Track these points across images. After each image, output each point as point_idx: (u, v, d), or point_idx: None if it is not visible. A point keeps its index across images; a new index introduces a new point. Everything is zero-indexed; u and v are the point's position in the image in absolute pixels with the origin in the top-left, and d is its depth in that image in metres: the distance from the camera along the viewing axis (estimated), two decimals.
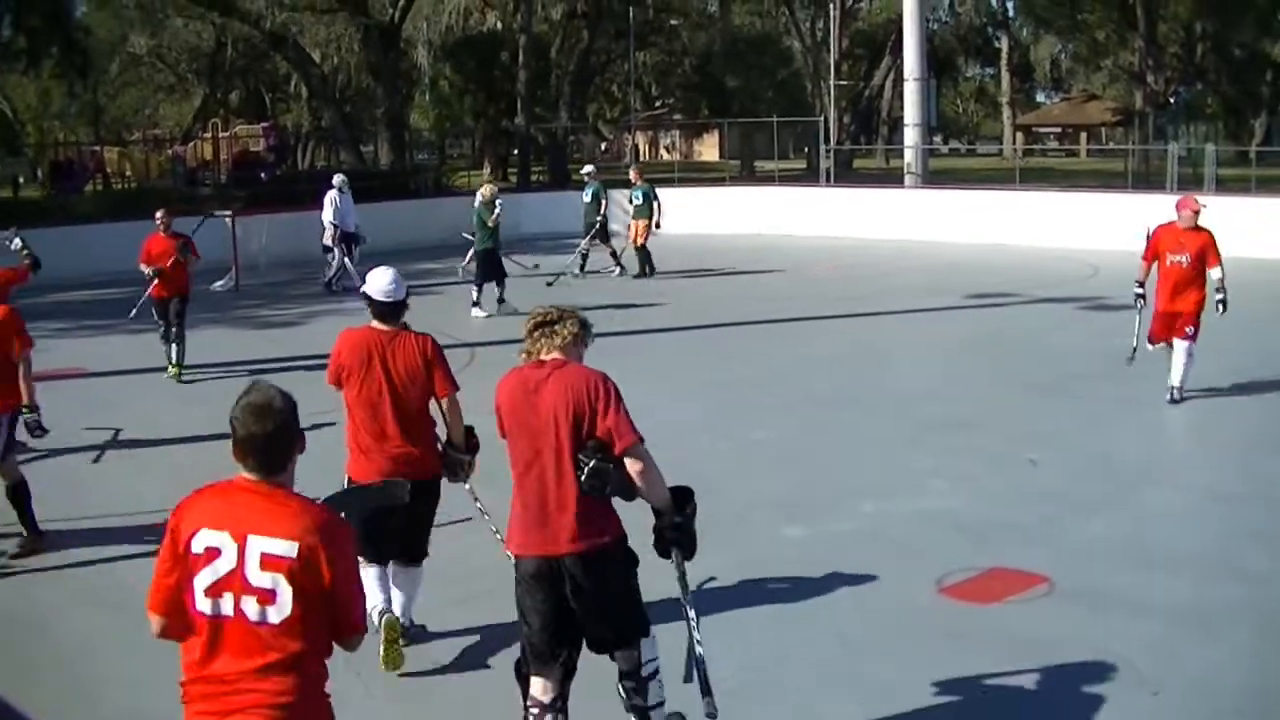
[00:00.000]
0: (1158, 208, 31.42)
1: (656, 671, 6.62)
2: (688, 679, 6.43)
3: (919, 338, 20.43)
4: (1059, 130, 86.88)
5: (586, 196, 27.97)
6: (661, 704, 6.64)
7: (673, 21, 65.15)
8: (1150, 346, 14.89)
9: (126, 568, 10.07)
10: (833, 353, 18.54)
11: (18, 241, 14.62)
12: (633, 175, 29.74)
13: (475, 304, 22.41)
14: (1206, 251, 14.37)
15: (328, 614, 4.51)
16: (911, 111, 40.28)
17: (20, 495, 10.50)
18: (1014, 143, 77.13)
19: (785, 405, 15.15)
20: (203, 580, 4.47)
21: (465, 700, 7.64)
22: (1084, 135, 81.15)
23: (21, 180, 48.73)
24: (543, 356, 6.35)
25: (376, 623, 7.65)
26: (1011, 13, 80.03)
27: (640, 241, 27.29)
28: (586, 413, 6.13)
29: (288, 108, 67.06)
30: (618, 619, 6.47)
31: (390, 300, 8.13)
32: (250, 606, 4.41)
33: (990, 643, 8.17)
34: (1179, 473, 12.01)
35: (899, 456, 12.77)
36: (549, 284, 24.84)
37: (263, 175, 43.49)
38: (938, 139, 72.24)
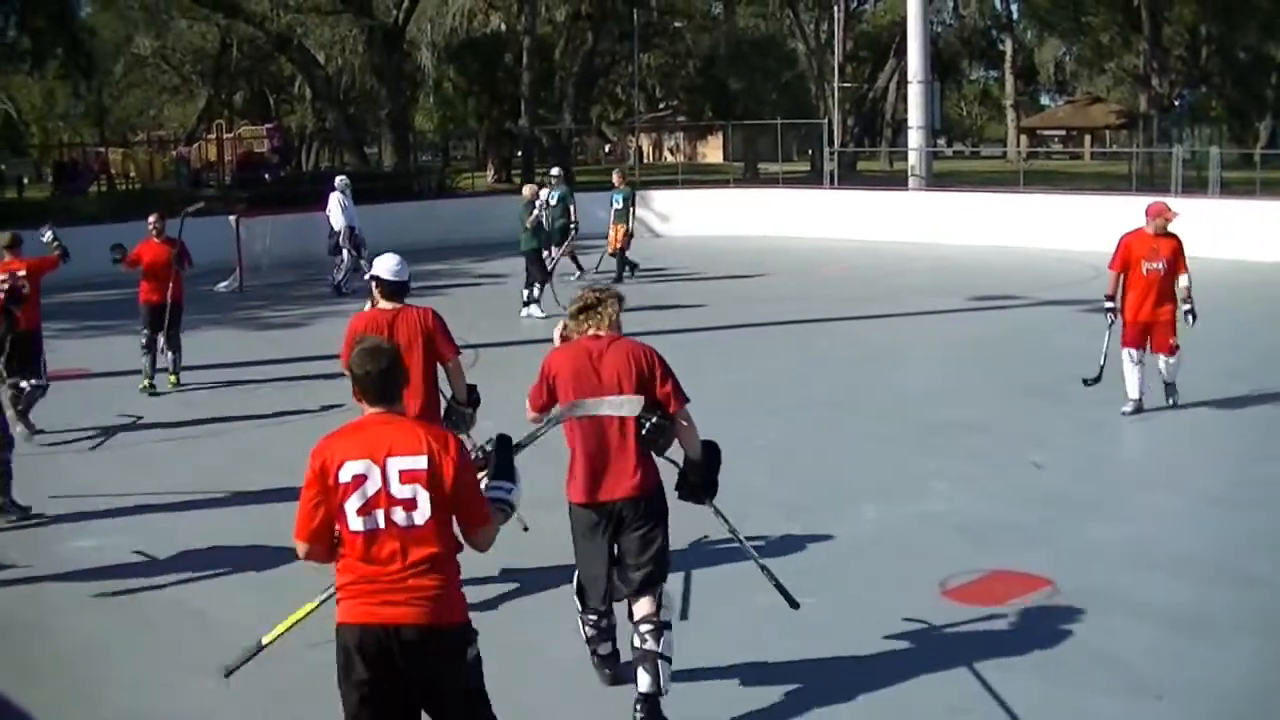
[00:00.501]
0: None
1: (670, 623, 7.28)
2: (778, 587, 7.78)
3: (922, 340, 20.43)
4: (1063, 133, 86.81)
5: (553, 199, 26.25)
6: (670, 660, 7.17)
7: (677, 23, 65.16)
8: (1130, 354, 14.07)
9: (127, 569, 10.09)
10: (835, 354, 18.54)
11: (49, 234, 15.15)
12: (615, 179, 28.62)
13: (528, 303, 22.76)
14: (1179, 257, 13.99)
15: (458, 514, 5.53)
16: (915, 114, 40.27)
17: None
18: (1018, 145, 77.10)
19: (787, 407, 15.14)
20: (353, 503, 5.39)
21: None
22: (1088, 138, 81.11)
23: (26, 181, 48.74)
24: (594, 332, 7.31)
25: None
26: (1015, 15, 79.99)
27: (618, 246, 26.59)
28: (647, 378, 7.21)
29: (292, 109, 67.09)
30: (655, 557, 7.25)
31: (397, 280, 9.18)
32: (398, 515, 5.38)
33: (993, 645, 8.16)
34: (1181, 476, 11.98)
35: (901, 459, 12.76)
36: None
37: (267, 176, 43.46)
38: (941, 142, 72.35)
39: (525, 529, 9.56)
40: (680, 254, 29.13)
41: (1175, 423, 13.95)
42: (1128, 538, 10.29)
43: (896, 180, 44.81)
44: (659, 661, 7.08)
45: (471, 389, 9.65)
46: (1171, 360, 14.01)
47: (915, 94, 40.54)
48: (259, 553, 10.41)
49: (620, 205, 26.88)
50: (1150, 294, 13.87)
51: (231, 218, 28.45)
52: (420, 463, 5.39)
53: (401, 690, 5.47)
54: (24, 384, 13.63)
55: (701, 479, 7.66)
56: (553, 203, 26.11)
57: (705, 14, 68.50)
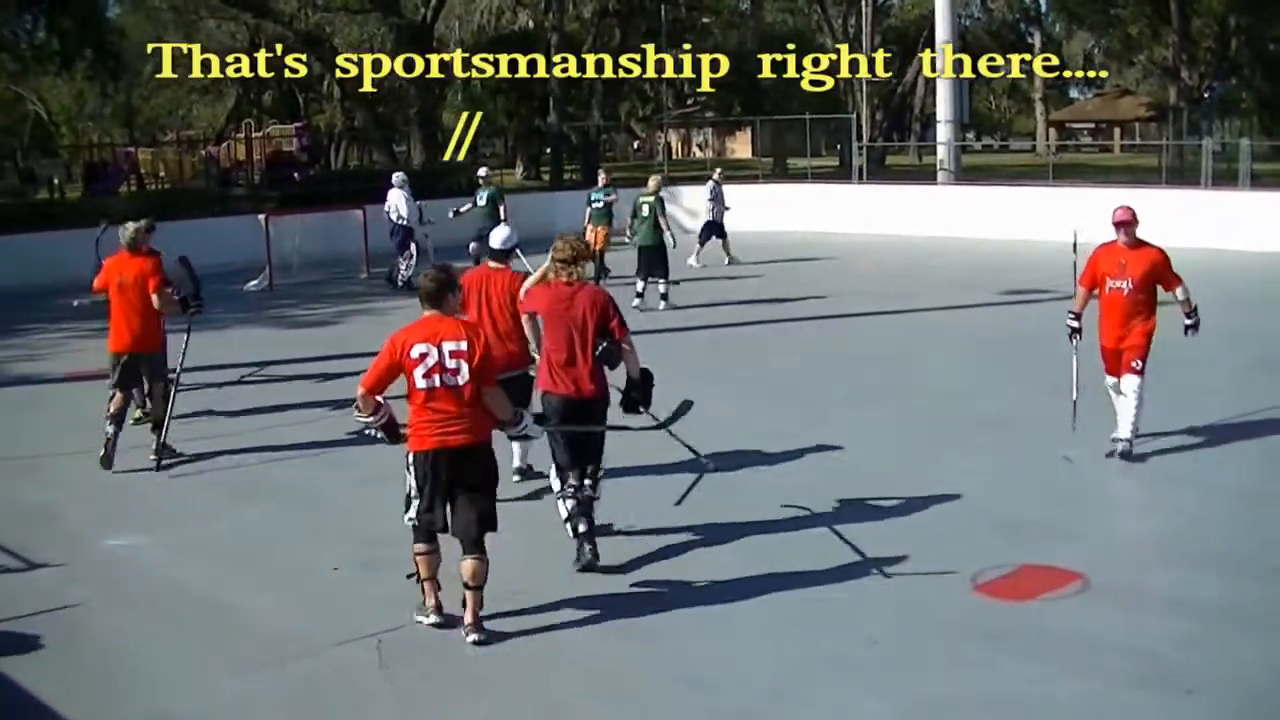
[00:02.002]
0: (1192, 203, 31.59)
1: (599, 497, 10.06)
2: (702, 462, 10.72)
3: (952, 334, 20.37)
4: (1092, 126, 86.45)
5: (481, 200, 26.22)
6: (596, 499, 10.01)
7: (705, 19, 65.12)
8: (1108, 381, 12.54)
9: (159, 568, 10.14)
10: (865, 349, 18.52)
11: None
12: (601, 177, 27.49)
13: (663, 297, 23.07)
14: (1158, 274, 12.16)
15: (479, 378, 8.30)
16: (944, 108, 40.16)
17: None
18: (1047, 139, 76.85)
19: (817, 401, 15.12)
20: (419, 370, 8.23)
21: (496, 704, 7.64)
22: (1117, 131, 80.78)
23: (57, 181, 48.95)
24: (568, 280, 9.89)
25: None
26: (1044, 7, 79.78)
27: (599, 248, 24.73)
28: (605, 316, 9.81)
29: (320, 108, 67.20)
30: (601, 438, 10.07)
31: (501, 247, 11.82)
32: (449, 379, 8.24)
33: (1024, 640, 8.15)
34: (1211, 471, 11.93)
35: (933, 453, 12.74)
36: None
37: (295, 176, 43.53)
38: (970, 135, 72.06)
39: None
40: (708, 250, 29.04)
41: (1205, 416, 13.84)
42: (1158, 532, 10.26)
43: (926, 174, 44.71)
44: (593, 504, 9.90)
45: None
46: (1130, 384, 12.08)
47: (944, 88, 40.43)
48: (290, 550, 10.47)
49: (601, 205, 25.57)
50: (1115, 316, 12.26)
51: (260, 217, 28.51)
52: (462, 345, 8.29)
53: (447, 480, 8.30)
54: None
55: (640, 394, 10.11)
56: (481, 203, 26.10)
57: (733, 9, 68.43)
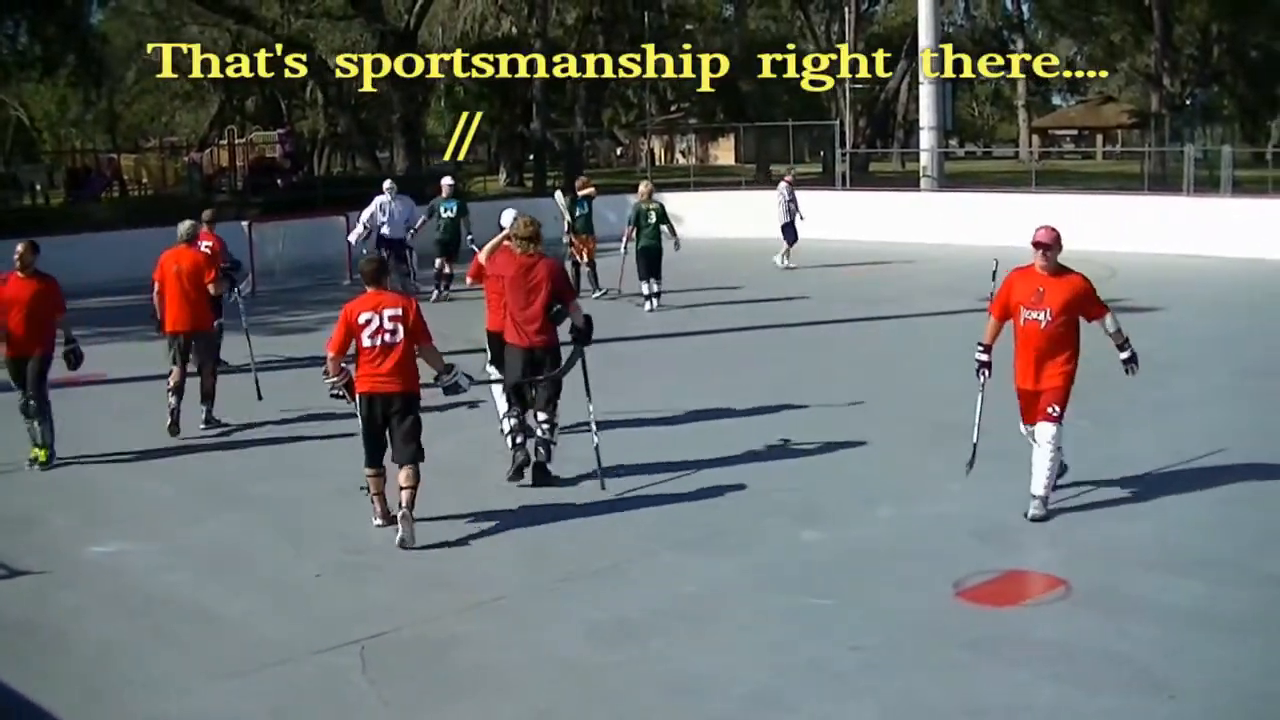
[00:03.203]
0: (1174, 209, 31.70)
1: (558, 424, 12.24)
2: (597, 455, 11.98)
3: (934, 340, 20.37)
4: (1075, 133, 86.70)
5: (450, 211, 25.65)
6: (555, 443, 12.21)
7: (688, 26, 65.15)
8: (1023, 429, 11.21)
9: (143, 574, 10.12)
10: (848, 356, 18.54)
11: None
12: (580, 186, 25.53)
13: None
14: (1080, 304, 10.76)
15: (415, 338, 10.57)
16: (927, 115, 40.21)
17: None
18: (1030, 145, 77.02)
19: (801, 409, 15.13)
20: (366, 331, 10.44)
21: (480, 710, 7.63)
22: (1100, 138, 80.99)
23: (39, 187, 48.88)
24: (529, 252, 11.91)
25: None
26: (1027, 15, 79.94)
27: (589, 259, 24.37)
28: (558, 284, 12.03)
29: (304, 114, 67.12)
30: (557, 381, 12.11)
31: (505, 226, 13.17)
32: (388, 337, 10.43)
33: (1007, 646, 8.17)
34: (1195, 475, 11.95)
35: (916, 459, 12.76)
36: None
37: (279, 182, 43.50)
38: (954, 142, 72.23)
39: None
40: (693, 256, 29.03)
41: (1188, 424, 13.90)
42: (1140, 538, 10.28)
43: (909, 181, 44.75)
44: (549, 445, 12.17)
45: (588, 320, 12.60)
46: (1045, 433, 10.71)
47: (927, 95, 40.51)
48: (272, 556, 10.46)
49: (585, 211, 24.52)
50: (1030, 352, 10.87)
51: (244, 223, 28.46)
52: (399, 312, 10.57)
53: (384, 421, 10.61)
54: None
55: (584, 335, 12.16)
56: (449, 213, 25.54)
57: (716, 16, 68.47)
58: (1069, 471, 11.31)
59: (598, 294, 24.41)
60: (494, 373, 12.90)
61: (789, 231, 29.65)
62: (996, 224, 32.75)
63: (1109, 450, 12.89)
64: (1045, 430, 10.64)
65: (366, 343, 10.47)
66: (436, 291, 24.96)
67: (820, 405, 15.33)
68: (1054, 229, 11.00)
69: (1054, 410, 10.63)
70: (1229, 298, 17.24)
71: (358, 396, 10.63)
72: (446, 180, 27.20)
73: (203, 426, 14.82)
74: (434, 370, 10.87)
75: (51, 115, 72.11)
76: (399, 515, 10.37)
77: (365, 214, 25.48)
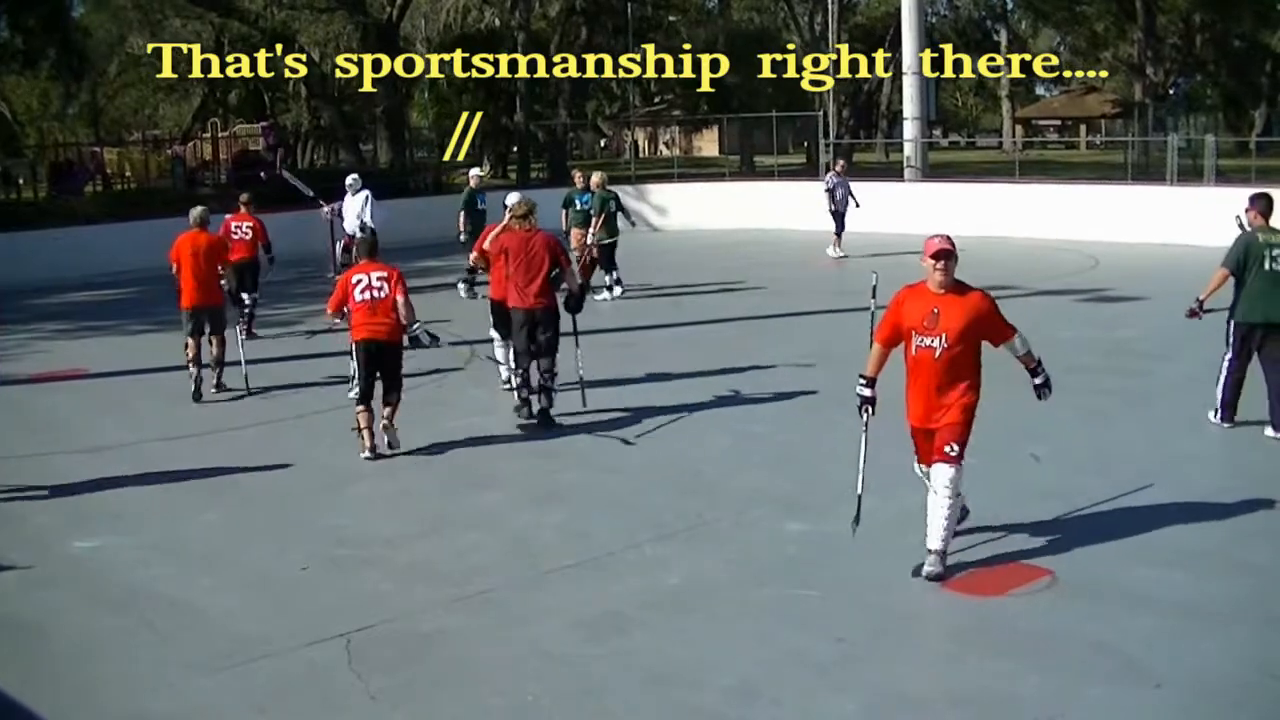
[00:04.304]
0: (1157, 199, 31.77)
1: (557, 373, 14.00)
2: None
3: None
4: (1058, 123, 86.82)
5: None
6: (555, 391, 14.04)
7: (671, 17, 65.11)
8: (918, 470, 9.97)
9: (127, 570, 10.10)
10: (832, 347, 18.52)
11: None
12: (583, 178, 24.68)
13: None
14: (983, 327, 9.40)
15: (398, 290, 12.94)
16: (910, 105, 40.25)
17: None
18: (1013, 135, 77.13)
19: (784, 400, 15.14)
20: (358, 289, 12.82)
21: (466, 703, 7.63)
22: (1083, 128, 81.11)
23: (23, 181, 48.70)
24: (528, 227, 13.92)
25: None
26: (1010, 5, 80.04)
27: (593, 254, 23.76)
28: (555, 254, 13.91)
29: (287, 107, 66.92)
30: (553, 338, 13.88)
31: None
32: (376, 293, 12.82)
33: (993, 636, 8.18)
34: (1180, 467, 11.98)
35: (899, 452, 12.74)
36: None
37: (262, 175, 43.38)
38: (937, 132, 72.29)
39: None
40: (675, 248, 29.09)
41: (1173, 413, 13.94)
42: (1126, 528, 10.29)
43: (892, 171, 44.83)
44: (550, 393, 13.96)
45: (582, 289, 15.81)
46: (942, 476, 9.21)
47: (910, 85, 40.52)
48: (257, 551, 10.44)
49: (582, 207, 23.89)
50: (924, 384, 9.34)
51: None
52: (384, 274, 12.98)
53: (378, 361, 12.92)
54: (247, 298, 19.75)
55: (575, 302, 14.41)
56: (480, 206, 24.80)
57: (700, 8, 68.45)
58: (969, 516, 10.04)
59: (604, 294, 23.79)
60: (498, 338, 15.31)
61: (837, 220, 29.69)
62: (980, 214, 32.93)
63: (1093, 440, 12.92)
64: (942, 473, 9.19)
65: (359, 298, 12.88)
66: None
67: (802, 397, 15.32)
68: (949, 238, 9.33)
69: (952, 449, 9.18)
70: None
71: (354, 345, 13.05)
72: (474, 172, 26.87)
73: (214, 390, 16.48)
74: (405, 321, 13.03)
75: (34, 109, 71.84)
76: (381, 426, 13.13)
77: (369, 214, 25.44)
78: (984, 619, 8.50)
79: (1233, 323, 13.16)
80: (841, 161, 32.33)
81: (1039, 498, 11.05)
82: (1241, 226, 13.54)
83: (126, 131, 69.47)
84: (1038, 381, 9.79)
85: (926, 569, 9.13)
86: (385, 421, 13.12)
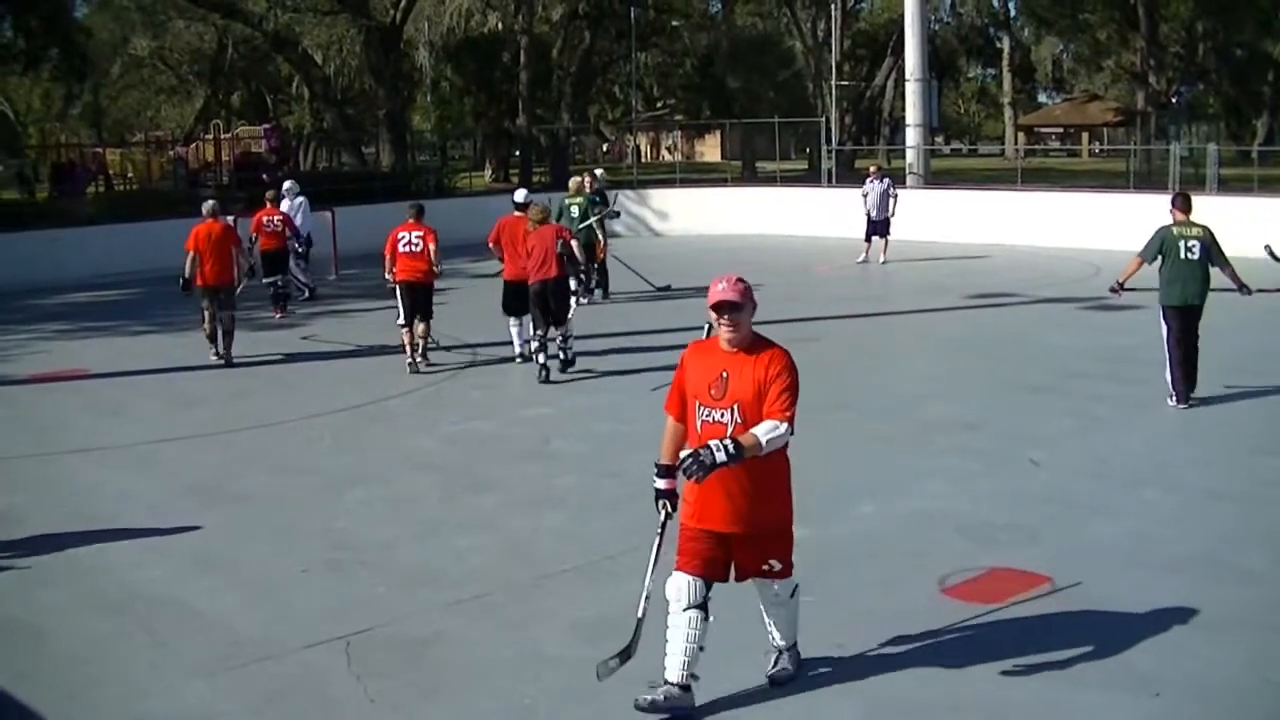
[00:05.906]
0: (1159, 208, 31.67)
1: (572, 333, 17.07)
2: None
3: (919, 338, 20.42)
4: (1061, 131, 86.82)
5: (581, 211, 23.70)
6: (572, 347, 17.03)
7: (674, 22, 65.14)
8: (688, 590, 7.45)
9: (126, 570, 10.09)
10: (833, 353, 18.52)
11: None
12: (584, 183, 24.62)
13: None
14: (771, 386, 7.37)
15: (430, 243, 17.61)
16: (913, 112, 40.31)
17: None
18: (1015, 143, 77.11)
19: None
20: (401, 243, 17.58)
21: (463, 706, 7.62)
22: (1086, 136, 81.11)
23: (37, 179, 48.78)
24: (540, 224, 16.91)
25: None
26: (1013, 13, 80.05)
27: (600, 258, 23.99)
28: (562, 234, 16.99)
29: (289, 109, 67.05)
30: (564, 305, 16.79)
31: (518, 201, 18.77)
32: (415, 247, 17.53)
33: (992, 643, 8.16)
34: (1179, 473, 11.98)
35: (899, 457, 12.76)
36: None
37: (264, 177, 43.32)
38: (939, 139, 72.28)
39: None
40: (677, 253, 29.08)
41: (1171, 419, 13.94)
42: (1125, 534, 10.29)
43: (894, 178, 44.79)
44: (568, 349, 16.91)
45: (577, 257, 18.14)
46: (777, 591, 7.52)
47: (913, 92, 40.58)
48: (256, 553, 10.43)
49: (577, 214, 23.40)
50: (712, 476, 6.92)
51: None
52: (420, 233, 17.50)
53: (415, 295, 17.40)
54: (280, 280, 23.63)
55: (575, 267, 17.65)
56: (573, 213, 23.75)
57: (703, 13, 68.49)
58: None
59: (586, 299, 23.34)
60: (513, 321, 17.88)
61: (882, 226, 29.35)
62: (982, 221, 32.97)
63: (1092, 448, 12.91)
64: (783, 587, 7.53)
65: (401, 249, 17.42)
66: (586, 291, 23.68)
67: (802, 402, 15.26)
68: (741, 280, 7.29)
69: (775, 564, 7.41)
70: (1211, 295, 17.13)
71: (398, 286, 17.40)
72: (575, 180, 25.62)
73: (217, 357, 18.54)
74: (434, 265, 17.51)
75: (37, 110, 71.92)
76: (419, 338, 17.53)
77: (301, 220, 25.70)
78: (982, 627, 8.48)
79: (1162, 306, 14.67)
80: (876, 163, 32.09)
81: (1037, 503, 11.05)
82: (1273, 256, 15.31)
83: (129, 133, 69.55)
84: (701, 453, 6.84)
85: (776, 667, 7.69)
86: (420, 340, 17.55)
